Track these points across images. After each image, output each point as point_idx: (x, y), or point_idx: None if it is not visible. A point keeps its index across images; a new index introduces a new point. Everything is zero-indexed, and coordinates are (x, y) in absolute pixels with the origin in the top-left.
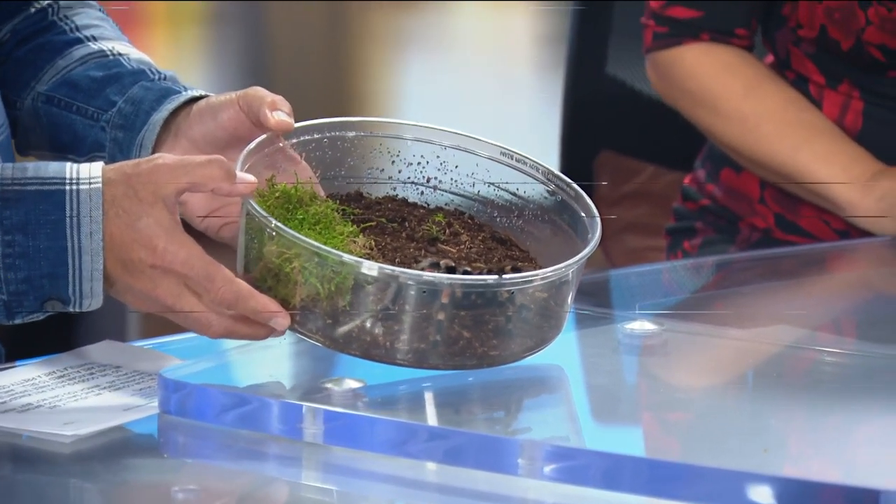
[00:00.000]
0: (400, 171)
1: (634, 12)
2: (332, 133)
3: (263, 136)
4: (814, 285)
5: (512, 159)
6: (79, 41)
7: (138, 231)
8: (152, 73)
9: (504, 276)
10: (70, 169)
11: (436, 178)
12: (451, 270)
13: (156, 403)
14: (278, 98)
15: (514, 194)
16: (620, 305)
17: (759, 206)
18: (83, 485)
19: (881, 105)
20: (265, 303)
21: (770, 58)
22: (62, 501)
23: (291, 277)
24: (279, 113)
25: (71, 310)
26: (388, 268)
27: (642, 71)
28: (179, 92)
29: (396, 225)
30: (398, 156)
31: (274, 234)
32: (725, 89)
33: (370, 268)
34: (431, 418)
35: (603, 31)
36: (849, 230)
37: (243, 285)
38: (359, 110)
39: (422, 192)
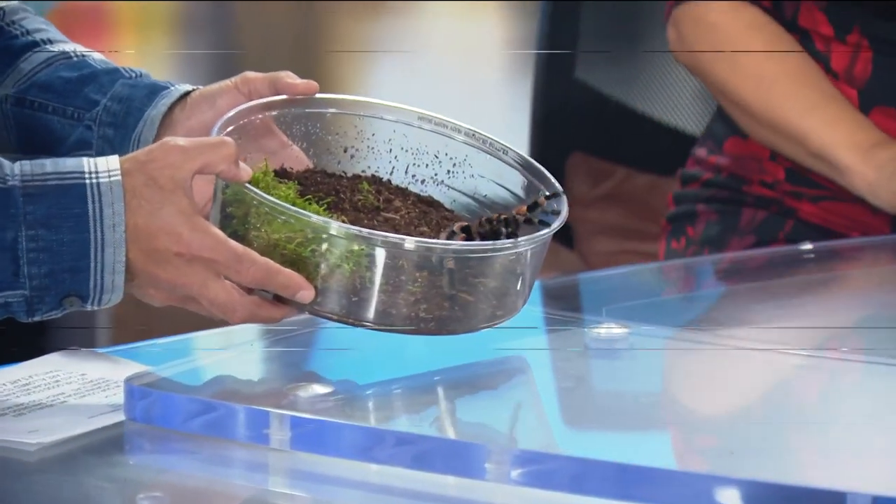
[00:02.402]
0: (319, 144)
1: (602, 15)
2: (261, 115)
3: (237, 110)
4: (780, 287)
5: (431, 123)
6: (35, 44)
7: (162, 219)
8: (126, 71)
9: (519, 238)
10: (87, 163)
11: (353, 146)
12: (465, 231)
13: (121, 411)
14: (288, 72)
15: (436, 156)
16: (588, 309)
17: (768, 163)
18: (48, 493)
19: (891, 54)
20: (292, 276)
21: None
22: None
23: (311, 260)
24: (299, 79)
25: (88, 307)
26: (435, 242)
27: (610, 73)
28: (166, 87)
29: (333, 198)
30: (318, 128)
31: (291, 220)
32: (749, 45)
33: (410, 243)
34: (398, 423)
35: (571, 35)
36: None
37: (270, 262)
38: None
39: (339, 162)
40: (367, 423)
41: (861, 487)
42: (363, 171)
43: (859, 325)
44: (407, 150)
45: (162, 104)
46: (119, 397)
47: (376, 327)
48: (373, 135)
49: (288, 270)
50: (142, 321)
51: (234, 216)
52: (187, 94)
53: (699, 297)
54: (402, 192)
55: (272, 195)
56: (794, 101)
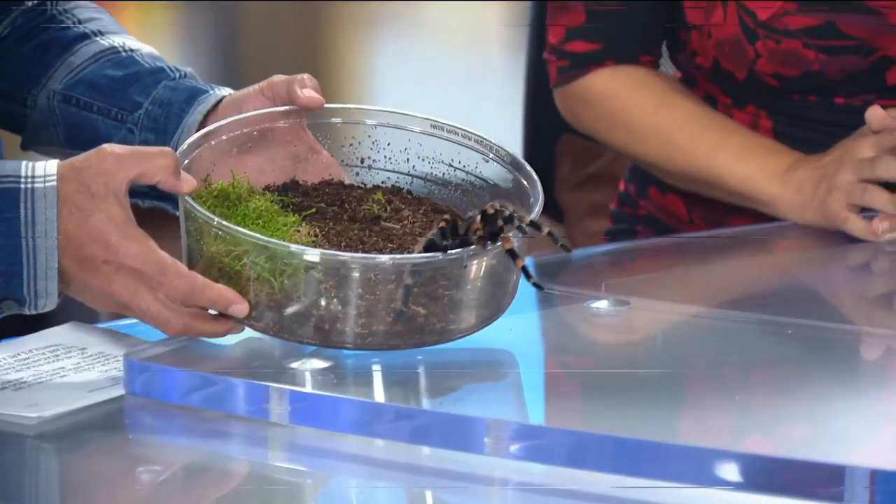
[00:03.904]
0: (332, 155)
1: None
2: (264, 125)
3: (209, 128)
4: (778, 262)
5: (443, 130)
6: (86, 36)
7: (91, 227)
8: (171, 70)
9: (449, 252)
10: (26, 167)
11: (369, 157)
12: (454, 230)
13: (121, 385)
14: (306, 76)
15: (450, 164)
16: (586, 284)
17: (688, 225)
18: (48, 466)
19: (789, 123)
20: (221, 291)
21: (678, 74)
22: (27, 483)
23: (244, 274)
24: (308, 90)
25: (26, 311)
26: (364, 256)
27: None
28: (206, 91)
29: (336, 208)
30: (330, 139)
31: (220, 232)
32: (637, 106)
33: (313, 255)
34: (397, 398)
35: None
36: None
37: (198, 277)
38: (329, 95)
39: (357, 173)
40: (366, 397)
41: (860, 461)
42: (383, 182)
43: (864, 298)
44: (424, 160)
45: (198, 111)
46: (119, 372)
47: (308, 342)
48: (388, 144)
49: (219, 286)
50: None
51: (190, 230)
52: (223, 99)
53: (698, 272)
54: (418, 202)
55: (241, 207)
56: (698, 144)
